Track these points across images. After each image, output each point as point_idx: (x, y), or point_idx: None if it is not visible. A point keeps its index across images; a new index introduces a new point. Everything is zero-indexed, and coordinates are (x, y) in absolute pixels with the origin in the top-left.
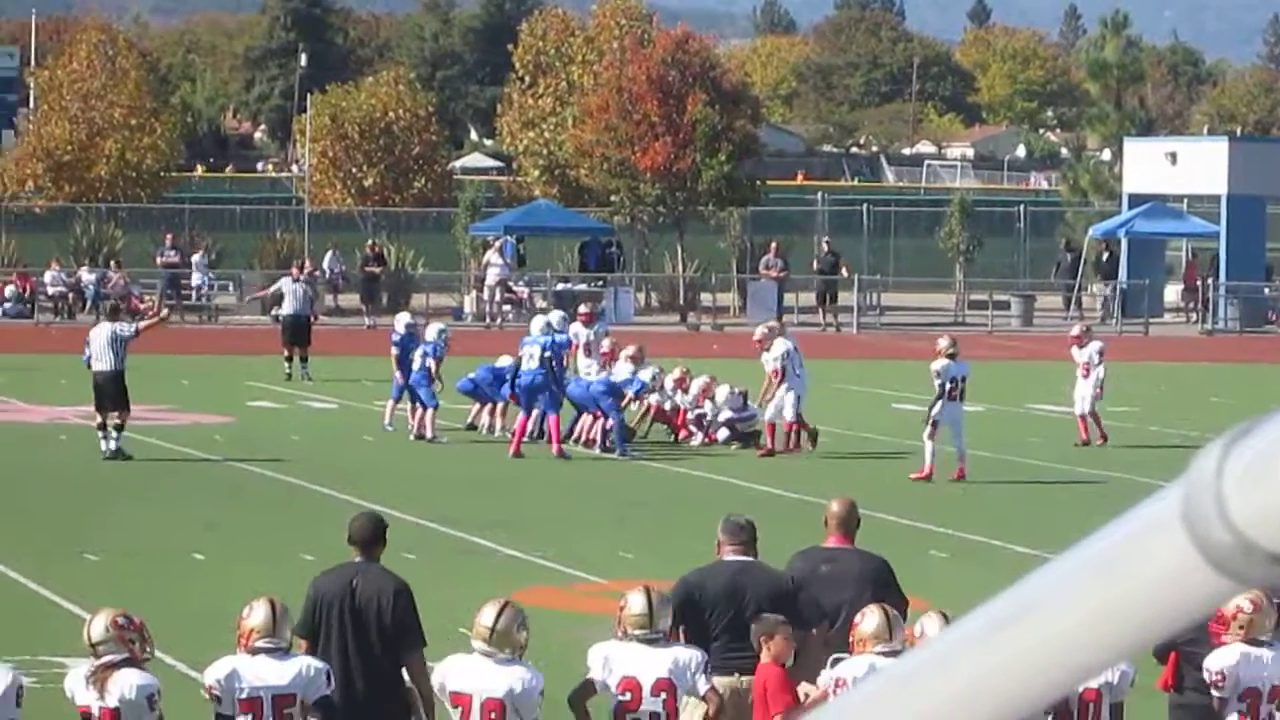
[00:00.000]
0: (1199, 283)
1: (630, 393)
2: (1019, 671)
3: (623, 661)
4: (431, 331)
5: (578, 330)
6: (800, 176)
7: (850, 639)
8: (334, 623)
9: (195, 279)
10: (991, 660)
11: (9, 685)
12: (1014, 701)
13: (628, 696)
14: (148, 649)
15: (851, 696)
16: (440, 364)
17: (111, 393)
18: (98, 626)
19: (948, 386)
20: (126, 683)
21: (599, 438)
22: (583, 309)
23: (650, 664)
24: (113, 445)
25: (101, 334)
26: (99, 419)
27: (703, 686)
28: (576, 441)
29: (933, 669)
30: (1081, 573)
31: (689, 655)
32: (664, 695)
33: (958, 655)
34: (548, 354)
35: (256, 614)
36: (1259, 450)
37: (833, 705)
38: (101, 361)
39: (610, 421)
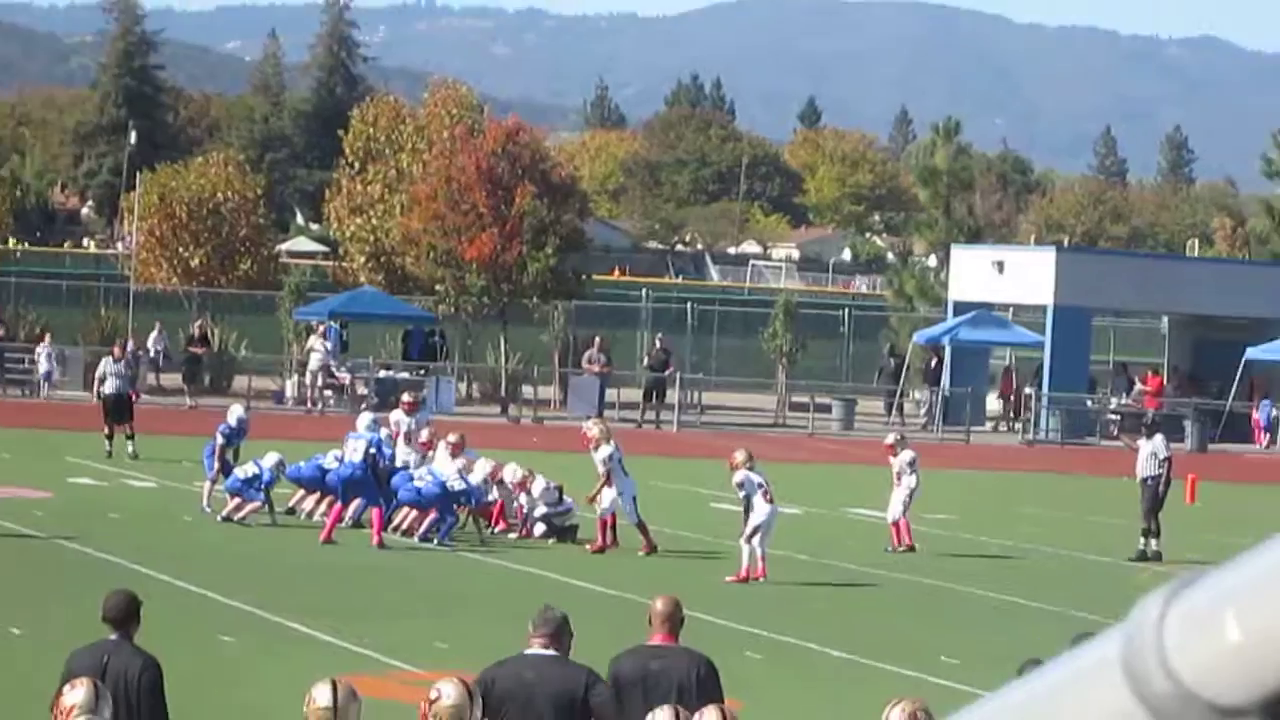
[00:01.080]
0: (1014, 393)
1: (464, 502)
2: None
3: None
4: (232, 416)
5: (399, 418)
6: (616, 271)
7: None
8: None
9: (42, 367)
10: None
11: None
12: None
13: None
14: None
15: None
16: (230, 448)
17: None
18: None
19: (760, 492)
20: None
21: (419, 527)
22: (406, 397)
23: None
24: None
25: None
26: None
27: None
28: (395, 530)
29: None
30: (1023, 711)
31: None
32: None
33: None
34: (371, 450)
35: (77, 692)
36: (1202, 601)
37: None
38: None
39: (440, 517)
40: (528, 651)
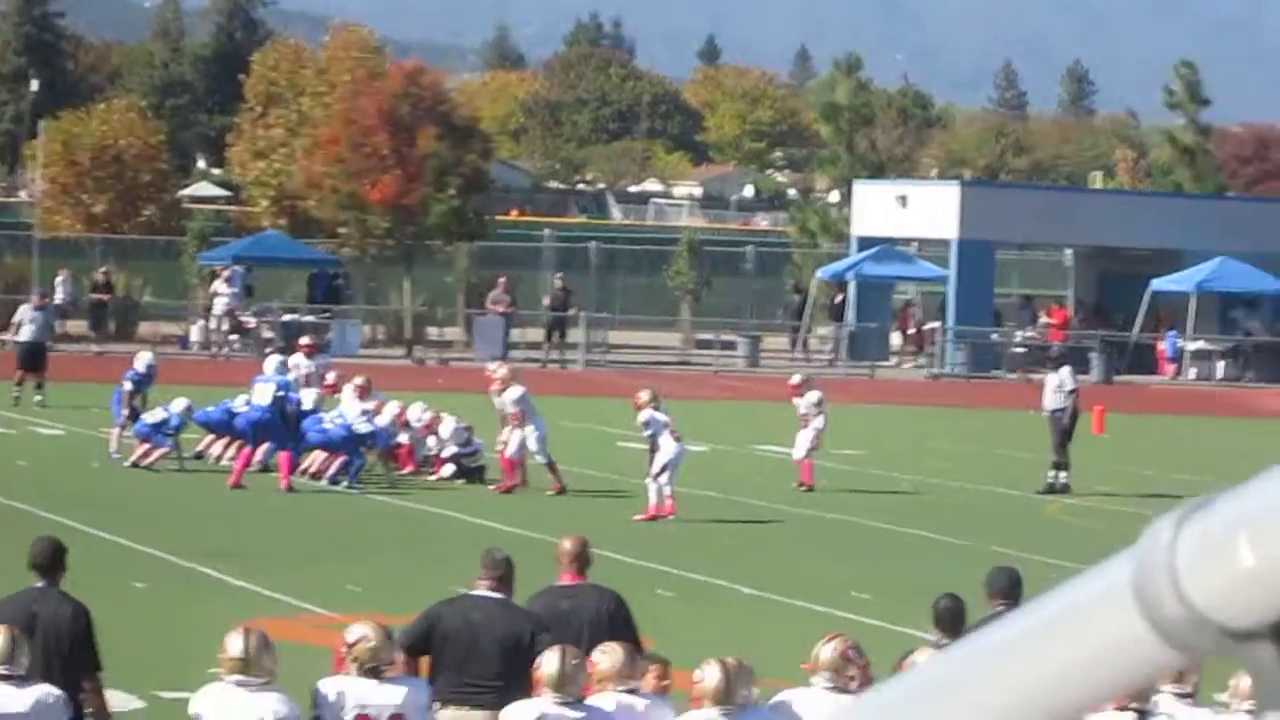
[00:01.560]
0: (913, 327)
1: (371, 444)
2: None
3: (355, 696)
4: (140, 362)
5: (299, 362)
6: (514, 212)
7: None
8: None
9: None
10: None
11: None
12: None
13: None
14: None
15: None
16: (137, 394)
17: None
18: None
19: (666, 431)
20: None
21: (328, 470)
22: (304, 340)
23: (383, 697)
24: None
25: None
26: None
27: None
28: (303, 473)
29: None
30: (1028, 639)
31: (419, 690)
32: None
33: (900, 712)
34: (280, 393)
35: None
36: (1214, 525)
37: None
38: None
39: (348, 459)
40: (474, 593)
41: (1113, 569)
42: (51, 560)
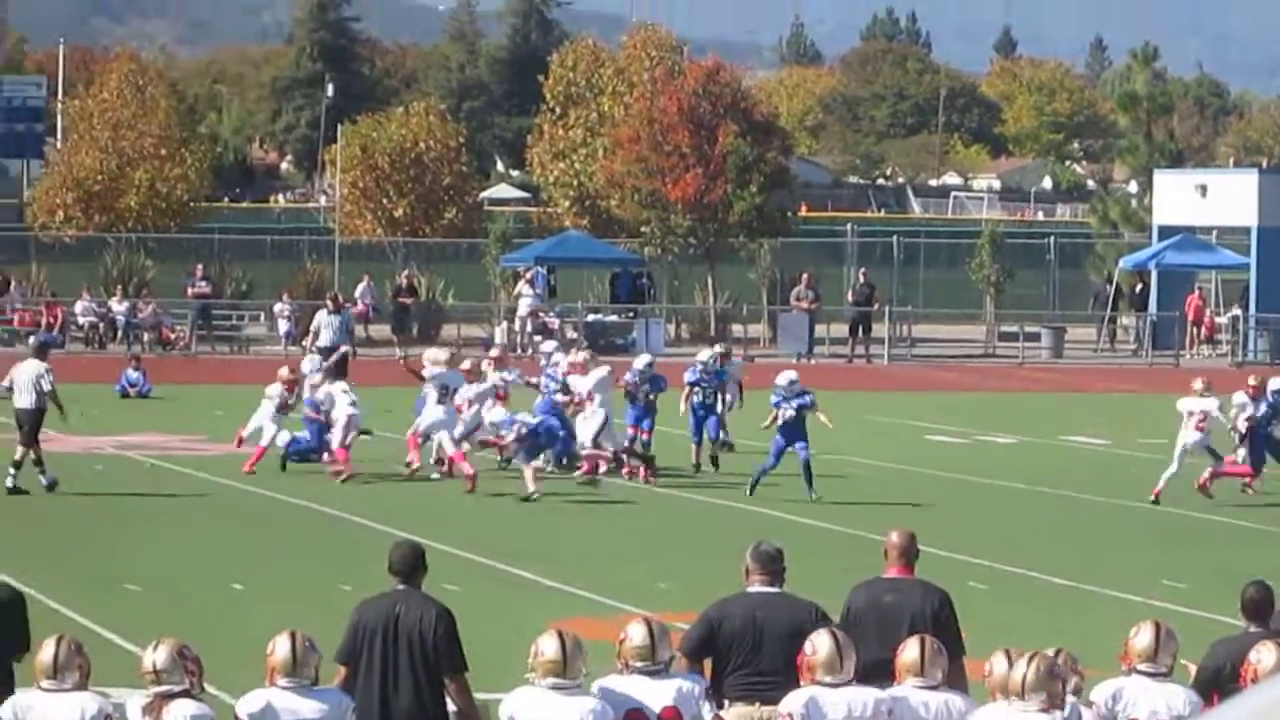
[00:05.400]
0: (1205, 317)
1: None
2: None
3: (631, 692)
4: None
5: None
6: (805, 208)
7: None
8: (376, 649)
9: (282, 327)
10: None
11: (95, 715)
12: None
13: None
14: (201, 681)
15: None
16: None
17: (29, 428)
18: (162, 655)
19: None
20: (182, 712)
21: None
22: (494, 352)
23: (656, 694)
24: (11, 483)
25: (28, 371)
26: (19, 453)
27: (708, 714)
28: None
29: None
30: None
31: (691, 684)
32: None
33: None
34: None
35: (280, 651)
36: None
37: None
38: (24, 399)
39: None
40: (752, 589)
41: None
42: (412, 564)
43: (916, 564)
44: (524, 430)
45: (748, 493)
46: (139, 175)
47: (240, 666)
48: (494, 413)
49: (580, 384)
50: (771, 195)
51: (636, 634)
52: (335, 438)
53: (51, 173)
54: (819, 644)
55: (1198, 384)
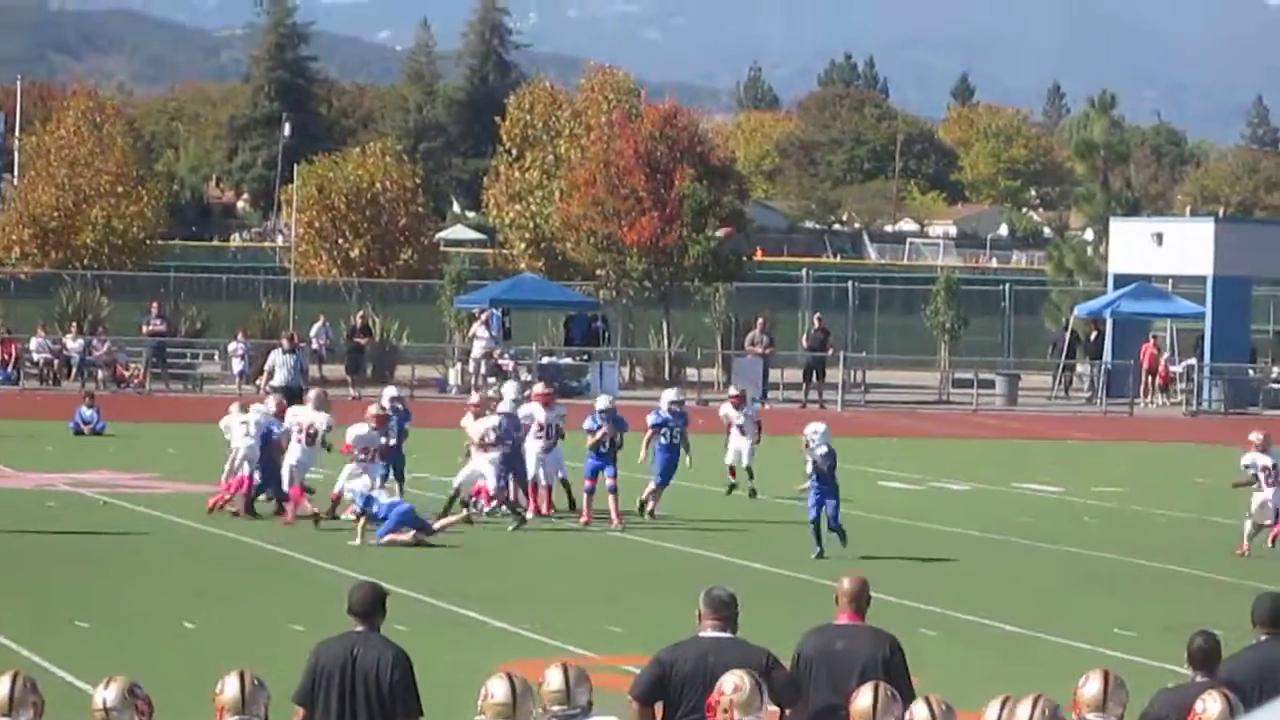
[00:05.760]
0: (1160, 366)
1: None
2: None
3: None
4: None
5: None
6: (760, 253)
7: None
8: (334, 690)
9: (236, 366)
10: None
11: None
12: None
13: None
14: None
15: None
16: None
17: None
18: (112, 694)
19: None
20: None
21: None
22: (539, 389)
23: None
24: None
25: None
26: None
27: None
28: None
29: None
30: None
31: None
32: None
33: None
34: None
35: (228, 690)
36: None
37: None
38: None
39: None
40: (704, 634)
41: None
42: (372, 605)
43: (868, 610)
44: (373, 508)
45: (813, 557)
46: (95, 212)
47: (191, 705)
48: (357, 482)
49: (473, 429)
50: (725, 229)
51: (554, 679)
52: (286, 479)
53: (8, 209)
54: (737, 682)
55: (1256, 436)
